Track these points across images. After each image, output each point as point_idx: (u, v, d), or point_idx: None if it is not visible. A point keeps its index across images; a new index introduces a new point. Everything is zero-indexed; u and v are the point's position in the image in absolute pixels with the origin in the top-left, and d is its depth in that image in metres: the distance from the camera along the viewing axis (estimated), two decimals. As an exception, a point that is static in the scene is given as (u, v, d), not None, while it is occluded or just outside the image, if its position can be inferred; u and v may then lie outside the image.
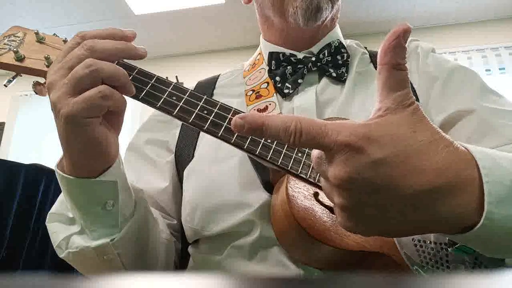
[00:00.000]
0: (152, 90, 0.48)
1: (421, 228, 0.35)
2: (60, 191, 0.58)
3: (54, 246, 0.56)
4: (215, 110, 0.49)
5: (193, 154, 0.67)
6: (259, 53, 0.77)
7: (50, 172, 1.82)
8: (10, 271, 1.59)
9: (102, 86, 0.44)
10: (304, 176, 0.48)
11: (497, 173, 0.34)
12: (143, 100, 0.48)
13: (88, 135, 0.45)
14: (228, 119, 0.48)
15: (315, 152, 0.37)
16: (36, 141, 3.21)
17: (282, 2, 0.67)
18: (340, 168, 0.33)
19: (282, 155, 0.48)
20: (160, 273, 0.58)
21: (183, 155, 0.68)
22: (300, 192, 0.49)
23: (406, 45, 0.35)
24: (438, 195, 0.32)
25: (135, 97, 0.48)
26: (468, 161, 0.34)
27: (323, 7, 0.66)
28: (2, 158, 2.09)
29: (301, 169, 0.48)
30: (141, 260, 0.58)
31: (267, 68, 0.72)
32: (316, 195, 0.49)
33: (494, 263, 0.46)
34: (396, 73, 0.35)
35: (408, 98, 0.35)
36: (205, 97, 0.49)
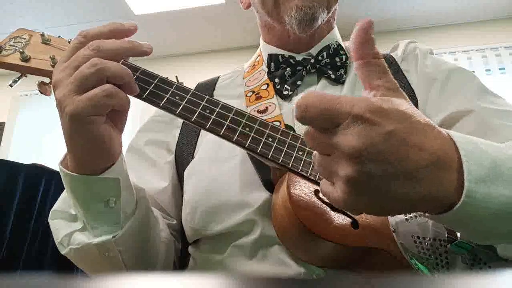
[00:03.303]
0: (156, 90, 0.49)
1: (414, 204, 0.36)
2: (61, 191, 0.59)
3: (56, 243, 0.57)
4: (217, 110, 0.49)
5: (193, 154, 0.67)
6: (259, 55, 0.77)
7: (50, 172, 1.82)
8: (10, 271, 1.59)
9: (107, 85, 0.45)
10: (305, 174, 0.49)
11: (477, 155, 0.35)
12: (147, 100, 0.49)
13: (92, 133, 0.46)
14: (229, 118, 0.49)
15: (314, 128, 0.37)
16: (36, 141, 3.21)
17: (278, 11, 0.68)
18: (355, 138, 0.33)
19: (283, 153, 0.49)
20: (160, 273, 0.58)
21: (183, 155, 0.68)
22: (301, 189, 0.49)
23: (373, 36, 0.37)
24: (432, 171, 0.34)
25: (139, 96, 0.49)
26: (449, 144, 0.36)
27: (318, 16, 0.67)
28: (2, 158, 2.09)
29: (302, 166, 0.49)
30: (141, 258, 0.59)
31: (266, 69, 0.72)
32: (316, 192, 0.49)
33: (492, 259, 0.46)
34: (374, 62, 0.37)
35: (393, 83, 0.37)
36: (207, 97, 0.50)
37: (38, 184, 1.77)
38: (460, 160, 0.35)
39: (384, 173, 0.33)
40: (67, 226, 0.56)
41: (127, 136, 0.75)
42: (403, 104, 0.35)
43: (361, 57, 0.37)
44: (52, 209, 0.59)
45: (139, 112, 2.94)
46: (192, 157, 0.67)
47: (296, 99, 0.67)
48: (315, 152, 0.38)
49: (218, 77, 0.81)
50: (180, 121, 0.73)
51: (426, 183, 0.34)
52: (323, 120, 0.34)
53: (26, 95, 3.43)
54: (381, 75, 0.37)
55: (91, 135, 0.46)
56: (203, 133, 0.69)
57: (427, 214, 0.38)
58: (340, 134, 0.34)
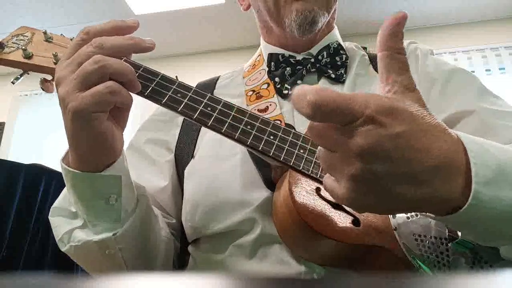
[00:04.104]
0: (158, 87, 0.49)
1: (419, 205, 0.36)
2: (61, 191, 0.58)
3: (57, 240, 0.57)
4: (219, 107, 0.49)
5: (193, 154, 0.67)
6: (259, 54, 0.77)
7: (50, 172, 1.82)
8: (10, 271, 1.59)
9: (110, 81, 0.45)
10: (307, 172, 0.49)
11: (484, 157, 0.35)
12: (148, 97, 0.49)
13: (95, 129, 0.46)
14: (231, 116, 0.49)
15: (321, 124, 0.36)
16: (36, 141, 3.21)
17: (279, 13, 0.68)
18: (363, 138, 0.33)
19: (285, 151, 0.49)
20: (160, 273, 0.58)
21: (183, 154, 0.68)
22: (302, 187, 0.49)
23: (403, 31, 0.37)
24: (439, 173, 0.34)
25: (141, 93, 0.49)
26: (458, 146, 0.36)
27: (319, 19, 0.67)
28: (2, 158, 2.09)
29: (304, 164, 0.49)
30: (141, 256, 0.59)
31: (267, 69, 0.72)
32: (318, 190, 0.49)
33: (493, 258, 0.46)
34: (398, 57, 0.37)
35: (411, 82, 0.37)
36: (209, 94, 0.50)
37: (38, 184, 1.77)
38: (468, 162, 0.35)
39: (390, 173, 0.33)
40: (67, 223, 0.56)
41: (127, 135, 0.75)
42: (414, 106, 0.35)
43: (386, 48, 0.37)
44: (53, 206, 0.59)
45: (140, 111, 2.94)
46: (192, 156, 0.67)
47: None
48: (320, 147, 0.37)
49: (218, 77, 0.81)
50: (180, 120, 0.73)
51: (433, 185, 0.34)
52: (335, 119, 0.34)
53: (26, 95, 3.43)
54: (401, 71, 0.37)
55: (94, 131, 0.46)
56: (203, 132, 0.69)
57: (432, 215, 0.38)
58: (350, 132, 0.34)
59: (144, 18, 2.90)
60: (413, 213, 0.49)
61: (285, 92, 0.68)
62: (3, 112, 3.44)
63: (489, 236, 0.39)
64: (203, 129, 0.69)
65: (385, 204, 0.36)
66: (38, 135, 3.22)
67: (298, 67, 0.70)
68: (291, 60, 0.70)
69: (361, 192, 0.35)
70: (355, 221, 0.48)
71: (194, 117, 0.48)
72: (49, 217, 0.58)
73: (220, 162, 0.62)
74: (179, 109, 0.48)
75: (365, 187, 0.34)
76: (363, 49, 0.77)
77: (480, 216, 0.35)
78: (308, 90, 0.34)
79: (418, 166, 0.33)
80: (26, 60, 0.54)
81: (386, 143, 0.33)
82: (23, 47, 0.55)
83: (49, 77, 0.55)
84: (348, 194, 0.35)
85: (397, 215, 0.49)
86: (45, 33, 0.57)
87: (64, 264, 1.64)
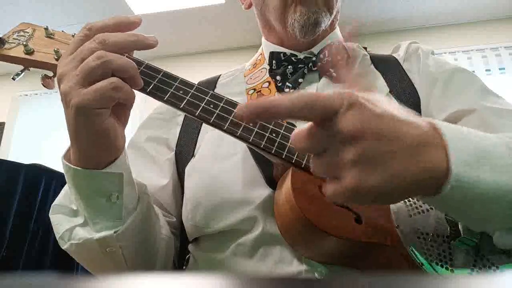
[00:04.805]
0: (160, 84, 0.49)
1: (415, 180, 0.36)
2: (61, 191, 0.58)
3: (57, 238, 0.56)
4: (221, 104, 0.49)
5: (194, 152, 0.67)
6: (261, 54, 0.78)
7: (50, 172, 1.82)
8: (10, 271, 1.59)
9: (113, 77, 0.45)
10: (309, 169, 0.49)
11: (461, 143, 0.37)
12: (151, 94, 0.49)
13: (97, 125, 0.46)
14: (233, 113, 0.49)
15: (304, 127, 0.37)
16: (36, 141, 3.21)
17: (284, 11, 0.68)
18: (351, 121, 0.35)
19: (287, 148, 0.49)
20: (161, 273, 0.58)
21: (184, 153, 0.68)
22: (305, 184, 0.49)
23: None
24: (423, 146, 0.36)
25: (143, 90, 0.49)
26: (434, 129, 0.37)
27: (321, 20, 0.67)
28: (2, 158, 2.09)
29: (306, 161, 0.49)
30: (142, 255, 0.59)
31: (268, 67, 0.72)
32: (320, 187, 0.49)
33: (496, 256, 0.46)
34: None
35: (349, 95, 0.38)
36: (211, 92, 0.50)
37: (38, 184, 1.77)
38: (444, 143, 0.37)
39: (384, 149, 0.34)
40: (68, 221, 0.56)
41: (127, 133, 0.75)
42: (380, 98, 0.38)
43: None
44: (53, 203, 0.58)
45: (140, 109, 2.94)
46: (193, 155, 0.67)
47: None
48: (311, 160, 0.38)
49: (219, 75, 0.81)
50: (180, 119, 0.73)
51: (421, 156, 0.35)
52: (323, 116, 0.36)
53: (26, 95, 3.43)
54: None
55: (96, 128, 0.46)
56: (203, 130, 0.69)
57: (421, 196, 0.39)
58: (335, 123, 0.35)
59: (144, 18, 2.88)
60: (415, 211, 0.49)
61: (286, 90, 0.68)
62: (3, 112, 3.44)
63: (476, 220, 0.41)
64: (204, 128, 0.69)
65: (387, 184, 0.35)
66: (38, 135, 3.22)
67: (300, 65, 0.70)
68: (293, 58, 0.70)
69: (366, 173, 0.34)
70: (358, 218, 0.48)
71: (196, 114, 0.48)
72: (50, 215, 0.58)
73: (221, 160, 0.62)
74: (181, 106, 0.48)
75: (368, 168, 0.34)
76: (364, 49, 0.78)
77: (463, 198, 0.37)
78: (294, 96, 0.36)
79: (406, 138, 0.35)
80: (27, 56, 0.54)
81: (372, 122, 0.35)
82: (24, 43, 0.54)
83: (50, 74, 0.55)
84: (354, 182, 0.34)
85: (399, 212, 0.49)
86: (46, 29, 0.57)
87: (64, 264, 1.64)
